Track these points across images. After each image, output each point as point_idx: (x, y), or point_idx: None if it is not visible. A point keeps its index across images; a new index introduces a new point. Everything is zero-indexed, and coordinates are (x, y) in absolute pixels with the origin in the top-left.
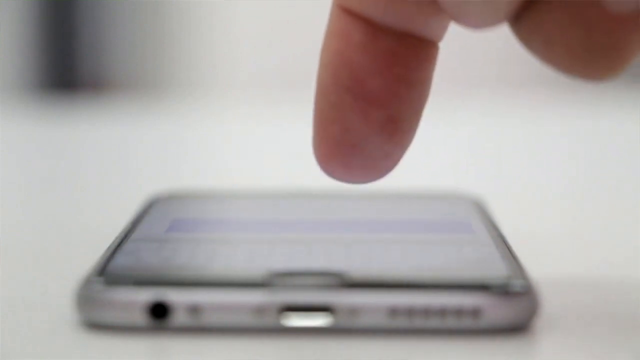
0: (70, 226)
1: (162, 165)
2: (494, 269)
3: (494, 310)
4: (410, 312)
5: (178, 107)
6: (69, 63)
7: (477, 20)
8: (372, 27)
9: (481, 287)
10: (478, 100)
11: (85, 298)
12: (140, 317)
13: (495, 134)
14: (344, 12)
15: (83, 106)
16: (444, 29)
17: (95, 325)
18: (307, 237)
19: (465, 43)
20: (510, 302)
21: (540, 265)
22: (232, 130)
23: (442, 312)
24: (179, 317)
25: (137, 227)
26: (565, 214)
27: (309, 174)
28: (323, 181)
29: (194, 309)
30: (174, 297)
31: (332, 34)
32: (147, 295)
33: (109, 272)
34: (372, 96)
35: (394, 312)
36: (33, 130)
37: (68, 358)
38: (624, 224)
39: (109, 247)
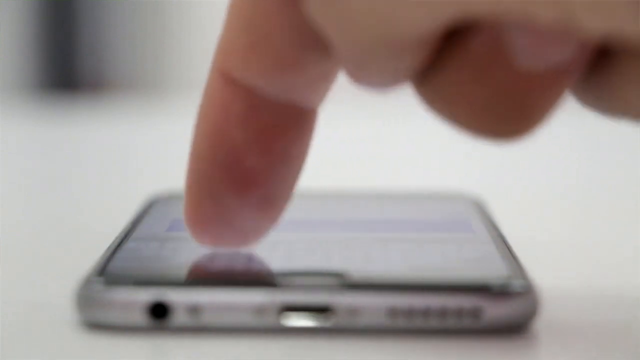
0: (70, 226)
1: (162, 165)
2: (494, 269)
3: (494, 310)
4: (410, 312)
5: (178, 107)
6: (69, 63)
7: (376, 80)
8: (253, 99)
9: (481, 287)
10: None
11: (85, 298)
12: (140, 317)
13: None
14: (224, 79)
15: (83, 106)
16: (326, 94)
17: (95, 325)
18: (307, 237)
19: None
20: (510, 302)
21: (540, 266)
22: None
23: (442, 312)
24: (179, 317)
25: (137, 227)
26: (566, 214)
27: (309, 174)
28: (323, 181)
29: (194, 309)
30: (174, 297)
31: (211, 102)
32: (147, 295)
33: (109, 272)
34: (249, 176)
35: (393, 312)
36: (33, 130)
37: (68, 358)
38: (625, 224)
39: (109, 247)
